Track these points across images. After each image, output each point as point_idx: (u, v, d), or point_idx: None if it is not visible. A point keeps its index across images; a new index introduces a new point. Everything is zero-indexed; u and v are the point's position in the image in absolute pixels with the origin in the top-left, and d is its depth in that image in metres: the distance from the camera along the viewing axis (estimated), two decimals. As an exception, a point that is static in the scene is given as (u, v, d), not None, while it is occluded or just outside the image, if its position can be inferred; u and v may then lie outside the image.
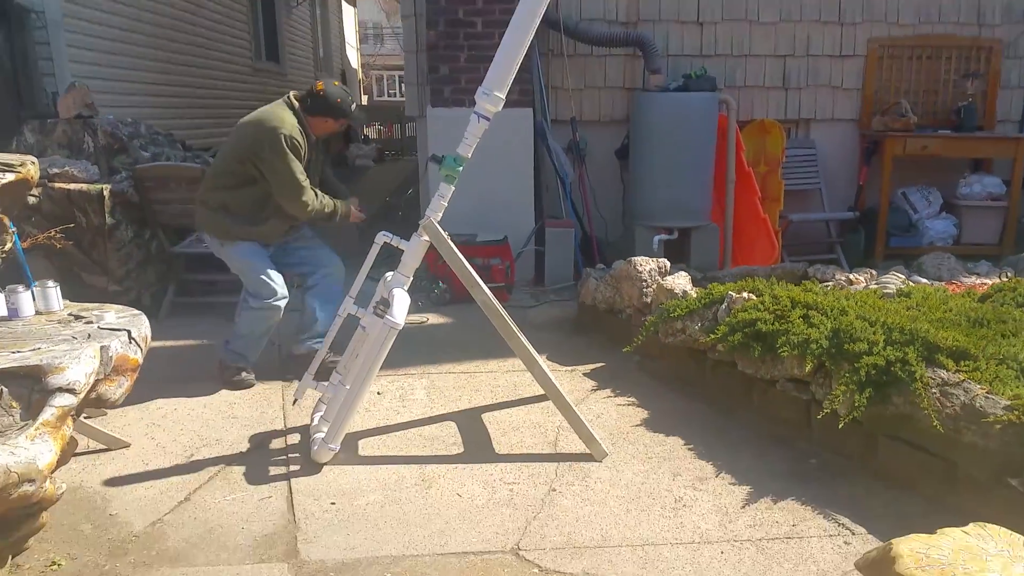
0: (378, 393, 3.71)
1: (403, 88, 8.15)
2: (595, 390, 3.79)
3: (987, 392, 2.63)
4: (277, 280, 3.70)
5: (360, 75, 21.65)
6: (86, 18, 6.53)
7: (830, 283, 4.02)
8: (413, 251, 3.10)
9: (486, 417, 3.50)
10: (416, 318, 4.76)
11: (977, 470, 2.57)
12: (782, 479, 2.93)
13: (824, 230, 6.43)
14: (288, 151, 3.49)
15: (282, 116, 3.55)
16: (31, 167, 3.29)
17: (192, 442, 3.25)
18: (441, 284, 4.99)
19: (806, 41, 6.12)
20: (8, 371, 2.09)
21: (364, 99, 21.58)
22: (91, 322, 2.52)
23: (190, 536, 2.60)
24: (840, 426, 2.87)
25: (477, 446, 3.24)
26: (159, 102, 7.65)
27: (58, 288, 2.65)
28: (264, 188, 3.58)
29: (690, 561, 2.47)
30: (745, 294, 3.53)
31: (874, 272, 4.25)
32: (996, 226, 6.25)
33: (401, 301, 2.98)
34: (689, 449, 3.18)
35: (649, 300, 4.07)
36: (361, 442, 3.25)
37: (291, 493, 2.86)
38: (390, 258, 3.24)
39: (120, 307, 2.72)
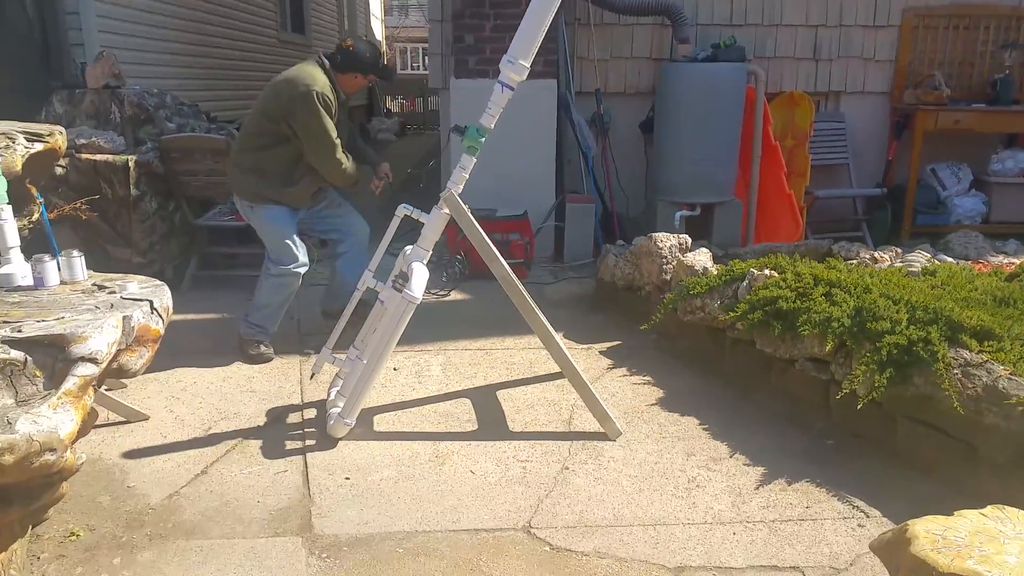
0: (394, 369, 3.72)
1: (426, 61, 8.07)
2: (611, 368, 3.78)
3: (1010, 373, 2.57)
4: (300, 247, 3.78)
5: (384, 47, 21.51)
6: (115, -12, 6.52)
7: (854, 261, 3.94)
8: (433, 224, 3.08)
9: (501, 394, 3.50)
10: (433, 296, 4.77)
11: (998, 453, 2.52)
12: (798, 460, 2.91)
13: (850, 206, 6.30)
14: (321, 108, 3.52)
15: (314, 74, 3.59)
16: (59, 137, 3.33)
17: (210, 415, 3.29)
18: (458, 264, 4.95)
19: (839, 10, 5.95)
20: (34, 339, 2.10)
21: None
22: (114, 292, 2.54)
23: (206, 509, 2.63)
24: (859, 407, 2.83)
25: (491, 423, 3.24)
26: (185, 73, 7.65)
27: (82, 258, 2.68)
28: (296, 147, 3.62)
29: (702, 541, 2.46)
30: (767, 271, 3.48)
31: (899, 250, 4.17)
32: (1028, 203, 6.10)
33: (420, 275, 2.97)
34: (704, 429, 3.16)
35: (669, 277, 4.03)
36: (376, 417, 3.27)
37: (306, 467, 2.89)
38: (412, 231, 3.22)
39: (143, 278, 2.73)
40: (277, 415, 3.31)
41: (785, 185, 5.59)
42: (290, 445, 3.06)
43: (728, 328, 3.52)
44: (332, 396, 3.27)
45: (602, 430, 3.10)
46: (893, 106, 6.20)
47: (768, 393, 3.36)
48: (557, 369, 3.23)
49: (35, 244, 3.17)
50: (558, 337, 3.18)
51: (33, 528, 2.41)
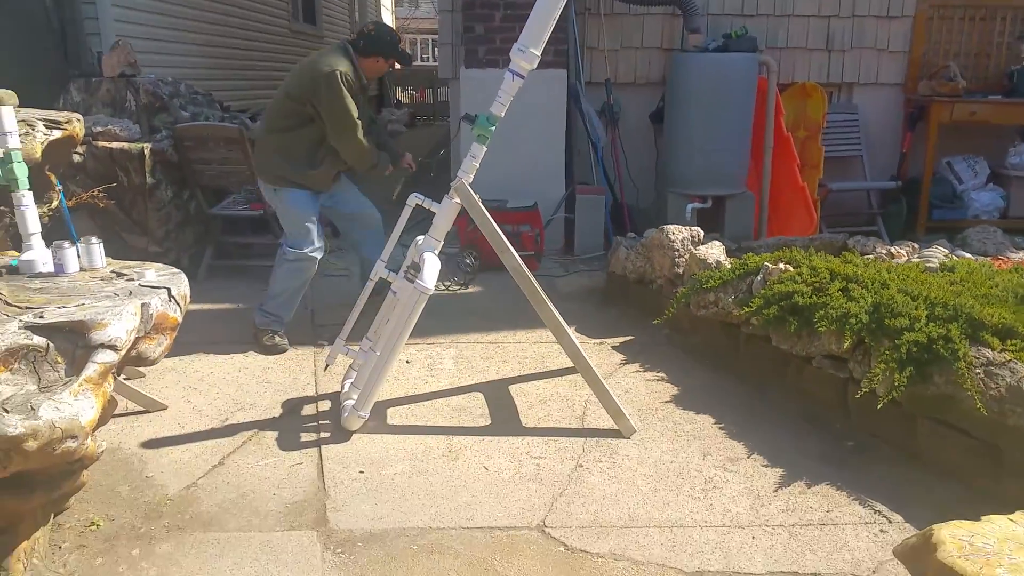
0: (407, 361, 3.71)
1: (436, 52, 8.02)
2: (624, 364, 3.76)
3: (1034, 374, 2.54)
4: (318, 234, 3.83)
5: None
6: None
7: (871, 256, 3.91)
8: (444, 214, 3.07)
9: (513, 389, 3.49)
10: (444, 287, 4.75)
11: (1023, 455, 2.49)
12: (816, 461, 2.87)
13: (864, 200, 6.25)
14: (344, 88, 3.62)
15: (338, 58, 3.72)
16: (77, 124, 3.35)
17: (227, 406, 3.30)
18: (470, 260, 4.92)
19: (852, 0, 5.89)
20: (55, 325, 2.10)
21: (396, 64, 21.34)
22: (132, 279, 2.54)
23: (223, 501, 2.64)
24: (878, 407, 2.79)
25: (504, 418, 3.23)
26: (198, 62, 7.65)
27: (101, 245, 2.67)
28: (319, 129, 3.71)
29: (720, 545, 2.43)
30: (782, 265, 3.44)
31: (916, 245, 4.12)
32: (1047, 198, 6.03)
33: (432, 265, 2.96)
34: (720, 428, 3.14)
35: (681, 271, 4.00)
36: (390, 411, 3.27)
37: (321, 460, 2.89)
38: (422, 222, 3.21)
39: (160, 265, 2.73)
40: (292, 406, 3.31)
41: (798, 177, 5.54)
42: (305, 437, 3.06)
43: (742, 323, 3.50)
44: (346, 388, 3.27)
45: (616, 427, 3.08)
46: (907, 97, 6.14)
47: (784, 391, 3.33)
48: (569, 364, 3.21)
49: (54, 231, 3.19)
50: (570, 331, 3.16)
51: (55, 516, 2.42)
